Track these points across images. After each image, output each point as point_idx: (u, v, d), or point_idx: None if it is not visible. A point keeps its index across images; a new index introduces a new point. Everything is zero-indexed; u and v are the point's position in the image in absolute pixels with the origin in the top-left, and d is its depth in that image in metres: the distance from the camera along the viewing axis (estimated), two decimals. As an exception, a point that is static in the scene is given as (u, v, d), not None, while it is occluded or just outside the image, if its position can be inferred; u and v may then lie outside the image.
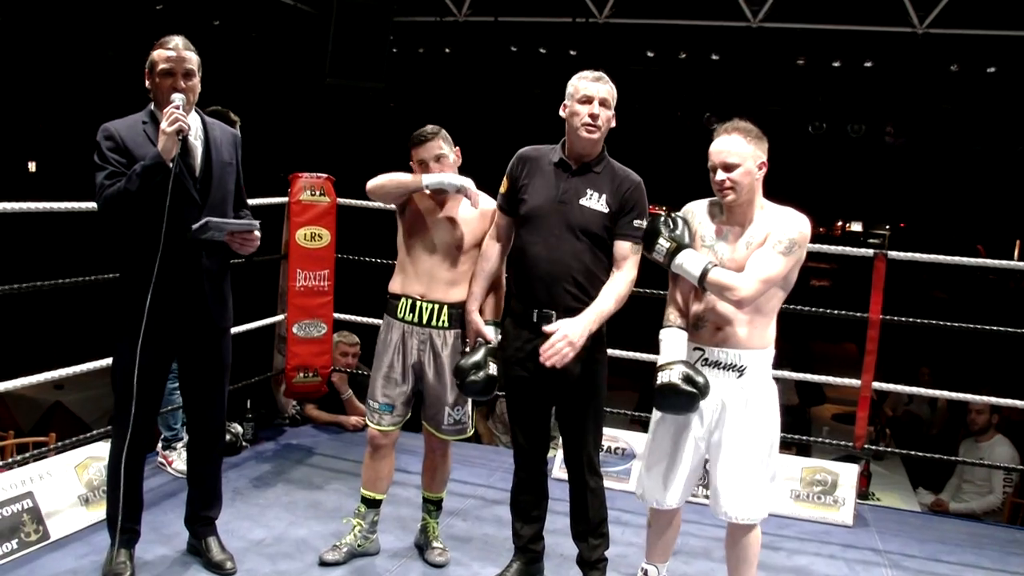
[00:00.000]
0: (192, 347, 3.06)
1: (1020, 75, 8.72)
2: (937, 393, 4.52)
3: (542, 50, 9.89)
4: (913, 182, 14.97)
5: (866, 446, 4.32)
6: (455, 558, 3.43)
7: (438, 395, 3.27)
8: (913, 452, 4.61)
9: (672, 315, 2.87)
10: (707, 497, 4.04)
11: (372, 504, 3.38)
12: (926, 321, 4.22)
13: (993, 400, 4.37)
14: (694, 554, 3.64)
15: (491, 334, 3.15)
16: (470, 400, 3.31)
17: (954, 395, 4.33)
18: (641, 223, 2.95)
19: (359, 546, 3.37)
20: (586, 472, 3.10)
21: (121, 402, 2.99)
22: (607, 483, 3.29)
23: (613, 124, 2.98)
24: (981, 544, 3.98)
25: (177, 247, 2.84)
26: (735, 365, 2.78)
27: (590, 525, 3.15)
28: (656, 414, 2.94)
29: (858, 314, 4.10)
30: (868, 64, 9.27)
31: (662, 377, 2.73)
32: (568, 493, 3.20)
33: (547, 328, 2.86)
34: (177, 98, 2.81)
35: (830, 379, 4.22)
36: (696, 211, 2.90)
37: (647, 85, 10.96)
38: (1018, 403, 4.11)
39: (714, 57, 9.50)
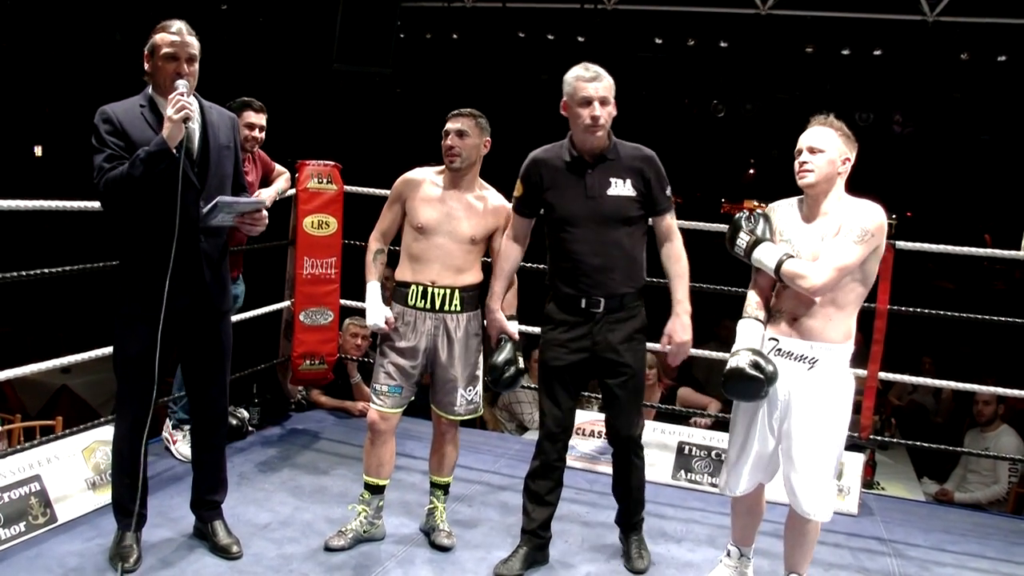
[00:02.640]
0: (193, 332, 3.03)
1: (1030, 64, 8.69)
2: (943, 383, 4.51)
3: (550, 36, 9.86)
4: (921, 171, 14.90)
5: (871, 436, 4.31)
6: (460, 543, 3.44)
7: (451, 378, 3.31)
8: (919, 443, 4.60)
9: (750, 306, 2.94)
10: (713, 485, 4.09)
11: (376, 490, 3.39)
12: (935, 312, 4.21)
13: (999, 391, 4.36)
14: (698, 541, 3.64)
15: (514, 330, 3.29)
16: (481, 381, 3.39)
17: (960, 385, 4.33)
18: (669, 192, 3.13)
19: (365, 532, 3.37)
20: (632, 452, 3.25)
21: (122, 388, 2.99)
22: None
23: (615, 114, 3.05)
24: (986, 534, 3.97)
25: (177, 231, 2.80)
26: (806, 356, 2.80)
27: (631, 489, 3.31)
28: (735, 405, 2.99)
29: (864, 304, 4.08)
30: (877, 52, 9.25)
31: (731, 363, 2.80)
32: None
33: (662, 344, 3.15)
34: (181, 84, 2.77)
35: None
36: (778, 208, 2.95)
37: (655, 72, 10.93)
38: (1024, 393, 4.09)
39: (723, 44, 9.48)
